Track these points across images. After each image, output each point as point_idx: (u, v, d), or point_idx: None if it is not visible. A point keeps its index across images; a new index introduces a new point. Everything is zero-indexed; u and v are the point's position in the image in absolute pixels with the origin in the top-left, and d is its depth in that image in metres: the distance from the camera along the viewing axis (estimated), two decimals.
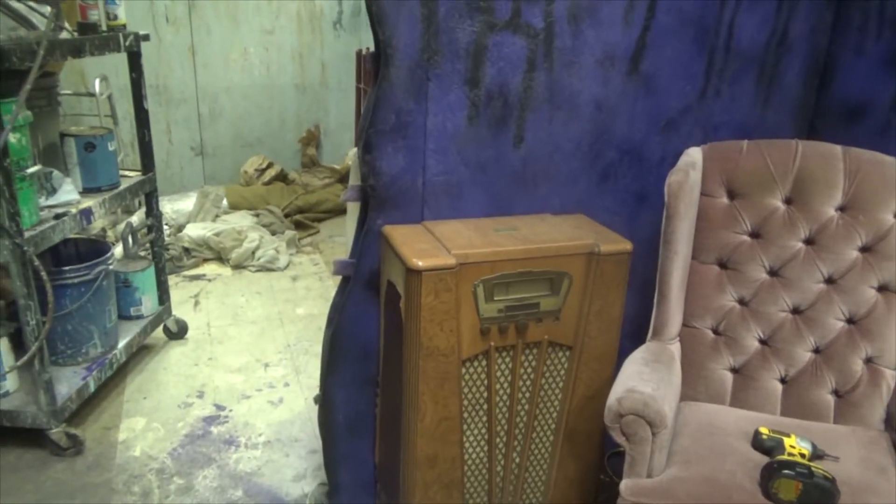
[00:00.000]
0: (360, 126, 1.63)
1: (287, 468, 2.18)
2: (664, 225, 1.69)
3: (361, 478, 1.93)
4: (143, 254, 2.91)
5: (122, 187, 2.46)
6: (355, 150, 1.73)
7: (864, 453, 1.50)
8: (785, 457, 1.40)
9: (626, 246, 1.65)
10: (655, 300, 1.72)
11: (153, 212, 2.76)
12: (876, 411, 1.62)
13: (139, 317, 2.72)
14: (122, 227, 2.92)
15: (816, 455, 1.45)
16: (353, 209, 1.83)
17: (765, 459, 1.42)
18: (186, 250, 3.72)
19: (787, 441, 1.46)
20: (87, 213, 2.22)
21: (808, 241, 1.71)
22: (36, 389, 2.11)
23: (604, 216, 1.84)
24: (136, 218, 3.25)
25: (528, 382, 1.71)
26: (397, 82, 1.56)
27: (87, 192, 2.35)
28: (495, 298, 1.58)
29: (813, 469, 1.33)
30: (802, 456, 1.42)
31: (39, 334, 2.05)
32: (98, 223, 3.61)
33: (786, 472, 1.32)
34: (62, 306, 2.27)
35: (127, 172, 2.65)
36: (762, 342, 1.73)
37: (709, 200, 1.77)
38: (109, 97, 3.33)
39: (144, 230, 2.83)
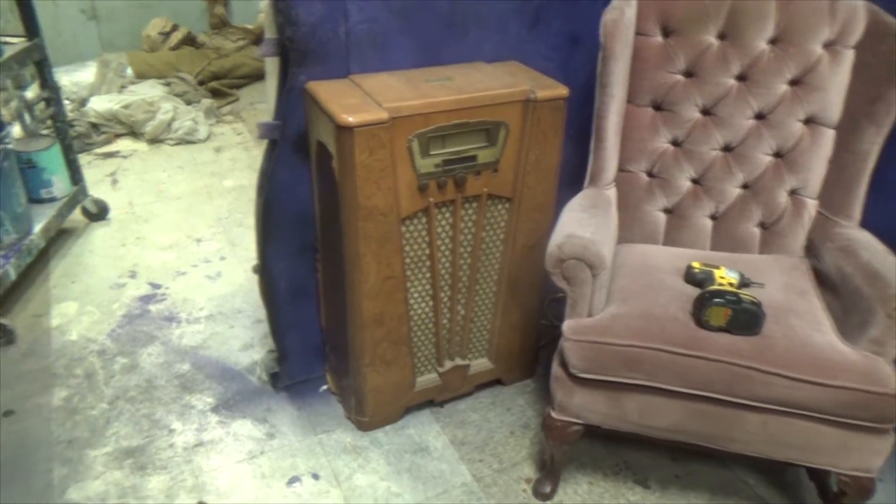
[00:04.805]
0: None
1: (233, 339, 2.18)
2: (600, 67, 1.64)
3: (309, 342, 1.94)
4: (45, 132, 2.68)
5: (5, 56, 2.20)
6: None
7: (787, 279, 1.59)
8: (715, 287, 1.48)
9: (563, 91, 1.61)
10: (592, 146, 1.71)
11: (48, 83, 2.51)
12: (798, 239, 1.71)
13: (52, 199, 2.55)
14: (16, 103, 2.65)
15: (744, 283, 1.53)
16: (273, 67, 1.69)
17: (697, 291, 1.49)
18: (94, 126, 3.45)
19: (716, 273, 1.53)
20: None
21: (740, 77, 1.70)
22: None
23: (538, 62, 1.77)
24: (31, 92, 2.96)
25: (469, 237, 1.71)
26: None
27: None
28: (431, 153, 1.53)
29: (741, 296, 1.40)
30: (731, 285, 1.50)
31: None
32: None
33: (716, 300, 1.39)
34: None
35: (9, 39, 2.37)
36: (694, 182, 1.77)
37: (643, 39, 1.72)
38: None
39: (42, 105, 2.58)
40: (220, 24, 4.41)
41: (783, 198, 1.72)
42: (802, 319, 1.45)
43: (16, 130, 2.63)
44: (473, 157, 1.59)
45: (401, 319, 1.71)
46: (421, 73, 1.63)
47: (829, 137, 1.67)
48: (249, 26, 4.35)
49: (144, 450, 1.78)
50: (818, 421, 1.37)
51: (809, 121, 1.68)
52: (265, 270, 1.77)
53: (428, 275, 1.71)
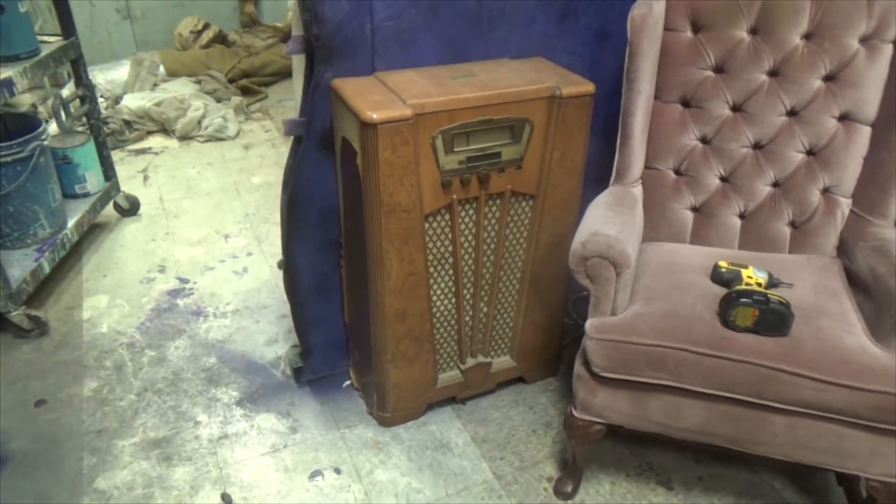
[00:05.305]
0: None
1: (258, 334, 2.21)
2: (627, 63, 1.62)
3: (333, 338, 1.95)
4: (80, 129, 2.74)
5: (43, 54, 2.25)
6: None
7: (817, 279, 1.55)
8: (742, 286, 1.45)
9: (589, 87, 1.59)
10: (618, 143, 1.69)
11: (83, 81, 2.56)
12: (829, 239, 1.67)
13: (85, 194, 2.61)
14: (52, 101, 2.71)
15: (772, 283, 1.50)
16: (300, 64, 1.71)
17: (723, 291, 1.46)
18: (127, 123, 3.51)
19: (744, 272, 1.50)
20: (7, 84, 2.04)
21: (773, 73, 1.66)
22: None
23: (564, 58, 1.75)
24: (67, 90, 3.03)
25: (492, 234, 1.70)
26: None
27: (3, 61, 2.14)
28: (455, 150, 1.53)
29: (769, 296, 1.37)
30: (759, 285, 1.47)
31: None
32: (26, 98, 3.36)
33: (743, 300, 1.36)
34: None
35: (47, 38, 2.42)
36: (723, 179, 1.74)
37: (672, 35, 1.69)
38: None
39: (77, 102, 2.64)
40: (251, 23, 4.46)
41: (815, 196, 1.68)
42: (833, 321, 1.42)
43: (52, 127, 2.70)
44: (497, 154, 1.58)
45: (423, 316, 1.71)
46: (446, 69, 1.62)
47: (864, 135, 1.63)
48: (279, 24, 4.39)
49: (171, 441, 1.81)
50: (847, 425, 1.33)
51: (844, 117, 1.64)
52: (289, 266, 1.78)
53: (451, 271, 1.71)
